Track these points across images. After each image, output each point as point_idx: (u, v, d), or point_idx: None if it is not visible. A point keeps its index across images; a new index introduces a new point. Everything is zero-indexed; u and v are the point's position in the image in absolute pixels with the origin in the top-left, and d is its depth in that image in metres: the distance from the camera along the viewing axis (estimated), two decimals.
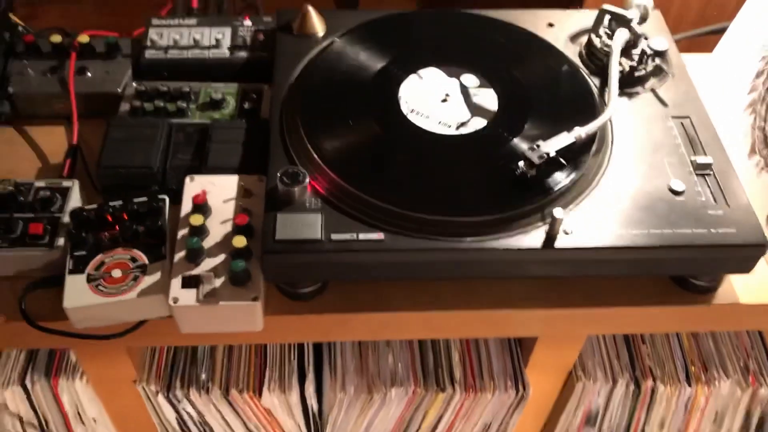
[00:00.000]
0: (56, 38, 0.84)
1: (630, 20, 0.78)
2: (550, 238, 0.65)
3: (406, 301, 0.70)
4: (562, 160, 0.67)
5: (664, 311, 0.71)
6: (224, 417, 0.81)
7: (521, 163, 0.68)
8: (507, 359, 0.81)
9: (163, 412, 0.81)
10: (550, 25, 0.85)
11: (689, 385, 0.81)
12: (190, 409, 0.80)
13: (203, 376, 0.79)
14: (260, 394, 0.78)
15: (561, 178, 0.68)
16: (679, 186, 0.69)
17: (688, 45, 0.97)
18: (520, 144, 0.70)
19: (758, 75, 0.80)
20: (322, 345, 0.83)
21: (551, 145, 0.68)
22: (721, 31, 0.95)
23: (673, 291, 0.72)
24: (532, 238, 0.65)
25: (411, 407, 0.81)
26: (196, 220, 0.67)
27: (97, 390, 0.79)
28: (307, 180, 0.66)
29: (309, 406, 0.81)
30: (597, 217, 0.67)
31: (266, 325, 0.68)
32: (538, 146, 0.67)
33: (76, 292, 0.65)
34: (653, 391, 0.81)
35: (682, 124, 0.76)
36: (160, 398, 0.78)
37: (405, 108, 0.74)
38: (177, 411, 0.80)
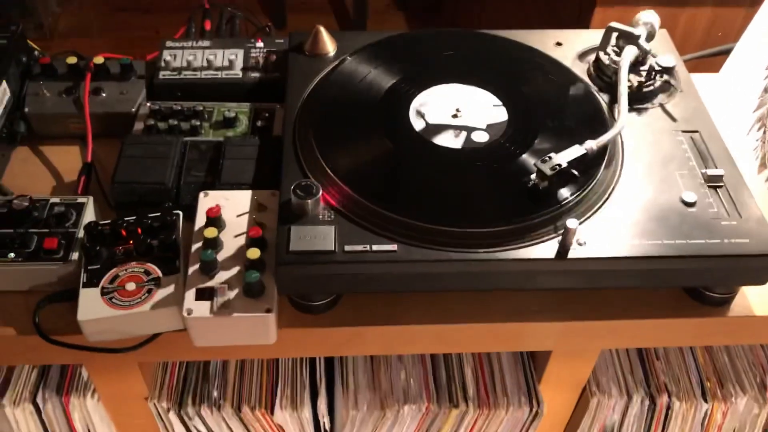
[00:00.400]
0: (72, 60, 0.86)
1: (638, 36, 0.79)
2: (564, 248, 0.65)
3: (419, 314, 0.70)
4: (574, 171, 0.68)
5: (678, 323, 0.71)
6: None
7: (533, 175, 0.68)
8: (520, 375, 0.81)
9: (174, 431, 0.80)
10: (558, 44, 0.86)
11: (705, 401, 0.80)
12: (201, 427, 0.79)
13: (215, 393, 0.78)
14: (272, 411, 0.77)
15: (573, 190, 0.68)
16: (691, 197, 0.69)
17: (694, 66, 0.98)
18: (532, 157, 0.71)
19: (766, 90, 0.81)
20: (334, 362, 0.82)
21: (563, 157, 0.68)
22: (727, 52, 0.96)
23: (687, 304, 0.72)
24: (546, 248, 0.65)
25: (424, 425, 0.80)
26: (210, 232, 0.67)
27: (108, 408, 0.79)
28: (320, 192, 0.67)
29: (322, 424, 0.80)
30: (610, 229, 0.67)
31: (279, 338, 0.68)
32: (549, 158, 0.68)
33: (90, 304, 0.65)
34: (669, 408, 0.80)
35: (691, 138, 0.76)
36: (172, 415, 0.78)
37: (416, 122, 0.74)
38: (188, 429, 0.80)
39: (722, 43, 1.06)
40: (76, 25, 2.44)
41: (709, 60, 1.06)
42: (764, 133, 0.80)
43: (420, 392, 0.79)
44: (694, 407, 0.80)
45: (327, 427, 0.80)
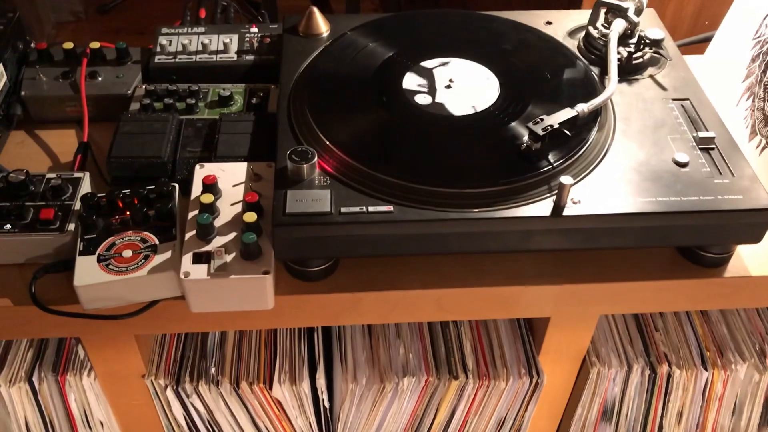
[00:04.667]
0: (68, 45, 0.87)
1: (626, 9, 0.80)
2: (559, 206, 0.65)
3: (416, 280, 0.70)
4: (566, 131, 0.68)
5: (675, 286, 0.71)
6: (233, 413, 0.79)
7: (526, 137, 0.69)
8: (519, 347, 0.80)
9: (172, 410, 0.79)
10: (548, 23, 0.88)
11: (705, 369, 0.79)
12: (199, 404, 0.78)
13: (213, 370, 0.78)
14: (271, 387, 0.77)
15: (566, 151, 0.68)
16: (683, 158, 0.70)
17: (681, 52, 0.99)
18: (524, 121, 0.71)
19: (753, 60, 0.82)
20: (332, 337, 0.82)
21: (554, 119, 0.69)
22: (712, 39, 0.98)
23: (684, 266, 0.72)
24: (541, 207, 0.66)
25: (424, 399, 0.79)
26: (207, 198, 0.68)
27: (105, 387, 0.78)
28: (316, 158, 0.67)
29: (321, 401, 0.79)
30: (604, 188, 0.67)
31: (277, 305, 0.68)
32: (541, 119, 0.69)
33: (87, 271, 0.65)
34: (669, 376, 0.80)
35: (682, 105, 0.77)
36: (169, 393, 0.77)
37: (409, 91, 0.75)
38: (185, 407, 0.79)
39: (709, 31, 1.08)
40: None
41: (696, 47, 1.07)
42: (753, 101, 0.81)
43: (419, 365, 0.78)
44: (695, 376, 0.80)
45: (326, 402, 0.80)
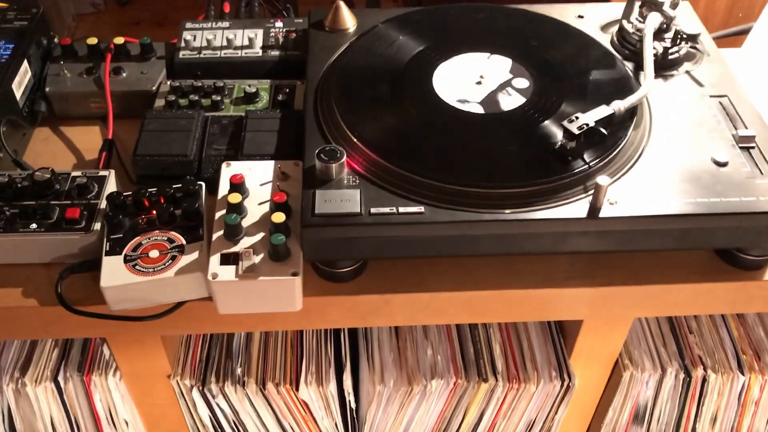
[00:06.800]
0: (92, 41, 0.86)
1: (662, 3, 0.78)
2: (595, 207, 0.63)
3: (446, 282, 0.68)
4: (602, 129, 0.66)
5: (713, 289, 0.69)
6: (259, 414, 0.78)
7: (560, 136, 0.67)
8: (550, 349, 0.79)
9: (197, 411, 0.78)
10: (580, 17, 0.86)
11: (742, 374, 0.77)
12: (224, 405, 0.77)
13: (239, 370, 0.77)
14: (297, 388, 0.76)
15: (602, 150, 0.67)
16: (723, 157, 0.68)
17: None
18: (558, 119, 0.69)
19: None
20: (359, 338, 0.81)
21: (590, 117, 0.67)
22: (748, 31, 0.95)
23: (721, 268, 0.70)
24: (576, 208, 0.64)
25: (452, 401, 0.78)
26: (234, 198, 0.67)
27: (130, 387, 0.77)
28: (345, 157, 0.66)
29: (347, 402, 0.78)
30: (641, 189, 0.65)
31: (304, 307, 0.67)
32: (577, 117, 0.67)
33: (113, 271, 0.64)
34: (704, 381, 0.78)
35: (720, 102, 0.75)
36: (195, 393, 0.76)
37: (439, 87, 0.73)
38: (211, 408, 0.78)
39: (743, 23, 1.05)
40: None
41: (730, 39, 1.05)
42: None
43: (447, 367, 0.77)
44: (731, 380, 0.78)
45: (352, 403, 0.78)
